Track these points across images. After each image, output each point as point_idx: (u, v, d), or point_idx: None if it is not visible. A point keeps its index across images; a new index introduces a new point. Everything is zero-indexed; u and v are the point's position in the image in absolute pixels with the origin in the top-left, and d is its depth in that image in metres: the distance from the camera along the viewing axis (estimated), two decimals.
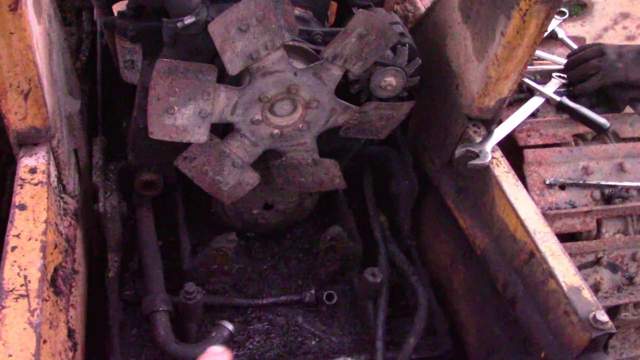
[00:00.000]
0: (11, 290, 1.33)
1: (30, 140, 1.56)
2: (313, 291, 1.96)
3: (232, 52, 1.46)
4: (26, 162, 1.54)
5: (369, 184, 2.18)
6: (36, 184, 1.50)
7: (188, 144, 1.67)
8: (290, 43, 1.54)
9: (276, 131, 1.69)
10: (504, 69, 1.69)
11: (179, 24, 1.54)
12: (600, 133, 2.07)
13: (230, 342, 1.74)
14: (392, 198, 2.14)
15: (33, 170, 1.53)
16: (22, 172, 1.52)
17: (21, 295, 1.33)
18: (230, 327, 1.73)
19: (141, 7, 1.75)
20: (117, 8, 1.94)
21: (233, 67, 1.49)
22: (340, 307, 2.00)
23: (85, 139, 2.05)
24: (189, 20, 1.54)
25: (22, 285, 1.34)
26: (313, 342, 1.91)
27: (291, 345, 1.90)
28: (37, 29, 1.48)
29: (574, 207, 1.96)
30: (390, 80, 1.73)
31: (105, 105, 2.26)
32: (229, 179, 1.76)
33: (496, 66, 1.69)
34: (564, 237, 1.92)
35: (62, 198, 1.68)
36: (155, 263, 1.85)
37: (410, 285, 1.99)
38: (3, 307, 1.29)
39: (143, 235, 1.90)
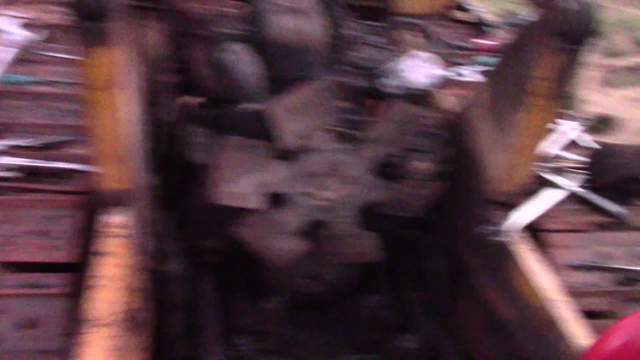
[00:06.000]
0: (98, 319, 1.59)
1: (119, 202, 1.86)
2: (354, 358, 2.14)
3: (288, 131, 1.78)
4: (115, 219, 1.84)
5: (405, 263, 2.39)
6: (124, 237, 1.80)
7: (244, 214, 1.95)
8: (335, 126, 1.85)
9: (323, 203, 1.96)
10: (521, 157, 1.94)
11: (239, 109, 1.88)
12: (619, 222, 2.25)
13: None
14: (427, 277, 2.34)
15: (121, 226, 1.82)
16: (112, 226, 1.82)
17: (106, 324, 1.58)
18: None
19: (210, 98, 2.11)
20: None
21: (288, 145, 1.79)
22: None
23: (155, 212, 2.35)
24: (249, 105, 1.88)
25: (108, 315, 1.60)
26: None
27: None
28: (128, 106, 1.82)
29: (596, 288, 2.11)
30: (424, 165, 2.00)
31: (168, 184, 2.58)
32: (281, 245, 2.01)
33: (515, 154, 1.94)
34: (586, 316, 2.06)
35: (142, 254, 1.96)
36: (214, 320, 2.08)
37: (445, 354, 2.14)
38: (89, 333, 1.55)
39: (203, 295, 2.15)
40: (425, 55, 2.06)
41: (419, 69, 2.03)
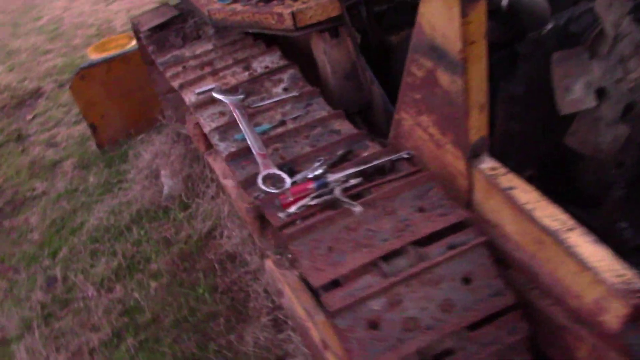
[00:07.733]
0: (558, 229, 1.77)
1: (478, 150, 2.05)
2: None
3: (609, 23, 1.99)
4: (487, 165, 2.02)
5: None
6: (504, 174, 1.99)
7: (538, 135, 2.19)
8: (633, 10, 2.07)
9: (631, 85, 2.17)
10: None
11: (543, 33, 2.10)
12: None
13: None
14: None
15: (494, 168, 2.02)
16: (488, 172, 2.00)
17: (569, 229, 1.77)
18: None
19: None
20: None
21: (610, 35, 2.01)
22: None
23: None
24: (549, 26, 2.10)
25: (562, 225, 1.79)
26: None
27: None
28: None
29: None
30: None
31: None
32: (606, 137, 2.22)
33: None
34: None
35: None
36: None
37: None
38: (568, 237, 1.74)
39: None
40: None
41: None
